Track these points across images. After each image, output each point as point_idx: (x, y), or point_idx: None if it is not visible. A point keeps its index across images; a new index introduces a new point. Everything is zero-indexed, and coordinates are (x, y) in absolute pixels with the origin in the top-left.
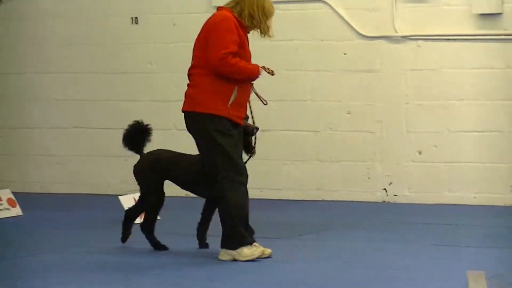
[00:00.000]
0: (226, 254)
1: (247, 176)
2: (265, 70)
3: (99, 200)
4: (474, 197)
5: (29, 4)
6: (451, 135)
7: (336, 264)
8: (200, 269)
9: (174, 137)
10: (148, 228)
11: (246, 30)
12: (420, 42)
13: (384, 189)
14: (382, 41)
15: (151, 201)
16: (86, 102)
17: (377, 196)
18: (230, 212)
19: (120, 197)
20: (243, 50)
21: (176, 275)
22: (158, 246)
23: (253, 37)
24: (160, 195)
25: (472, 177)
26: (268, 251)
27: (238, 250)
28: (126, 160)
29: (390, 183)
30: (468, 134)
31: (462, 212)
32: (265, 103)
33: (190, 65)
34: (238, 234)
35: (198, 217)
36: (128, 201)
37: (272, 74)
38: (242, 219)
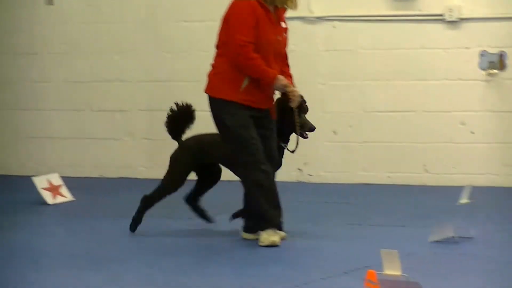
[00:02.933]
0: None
1: (262, 156)
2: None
3: (13, 182)
4: (388, 177)
5: None
6: (366, 115)
7: (242, 243)
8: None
9: (88, 118)
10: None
11: (268, 9)
12: (335, 22)
13: (299, 169)
14: (297, 22)
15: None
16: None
17: (292, 176)
18: (255, 194)
19: (33, 178)
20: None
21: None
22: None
23: None
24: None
25: (386, 157)
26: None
27: (268, 231)
28: (41, 141)
29: (305, 163)
30: (382, 114)
31: (376, 191)
32: (305, 136)
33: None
34: (266, 216)
35: None
36: (42, 182)
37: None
38: (270, 199)
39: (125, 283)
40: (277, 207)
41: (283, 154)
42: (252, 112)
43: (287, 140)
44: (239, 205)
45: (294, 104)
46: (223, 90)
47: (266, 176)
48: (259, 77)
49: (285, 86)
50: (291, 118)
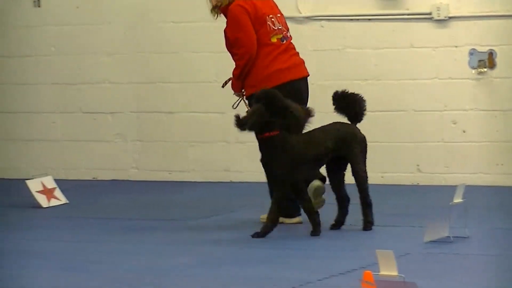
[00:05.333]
0: None
1: None
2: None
3: (6, 185)
4: (382, 177)
5: None
6: None
7: (246, 245)
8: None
9: (79, 120)
10: None
11: None
12: (323, 22)
13: None
14: None
15: None
16: None
17: None
18: None
19: (27, 182)
20: None
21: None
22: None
23: None
24: None
25: (378, 157)
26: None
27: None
28: (33, 144)
29: None
30: (373, 114)
31: (370, 191)
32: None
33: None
34: None
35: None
36: (36, 185)
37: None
38: None
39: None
40: None
41: None
42: None
43: None
44: None
45: None
46: None
47: None
48: None
49: None
50: None
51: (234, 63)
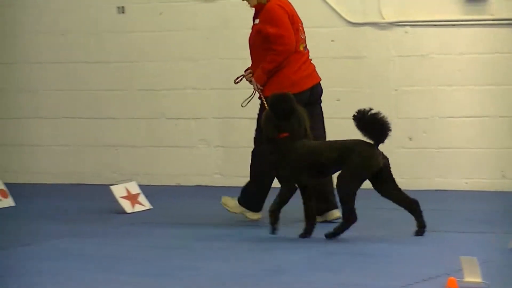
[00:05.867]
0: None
1: None
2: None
3: (90, 190)
4: (466, 183)
5: None
6: (440, 120)
7: (323, 251)
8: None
9: (162, 126)
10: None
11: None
12: (407, 28)
13: None
14: (368, 28)
15: None
16: (75, 92)
17: (366, 182)
18: None
19: (111, 187)
20: None
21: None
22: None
23: None
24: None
25: (463, 163)
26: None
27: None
28: (117, 149)
29: None
30: (457, 120)
31: (454, 197)
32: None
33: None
34: None
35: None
36: (120, 191)
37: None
38: None
39: None
40: None
41: None
42: None
43: None
44: None
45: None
46: None
47: None
48: None
49: None
50: None
51: (267, 58)
